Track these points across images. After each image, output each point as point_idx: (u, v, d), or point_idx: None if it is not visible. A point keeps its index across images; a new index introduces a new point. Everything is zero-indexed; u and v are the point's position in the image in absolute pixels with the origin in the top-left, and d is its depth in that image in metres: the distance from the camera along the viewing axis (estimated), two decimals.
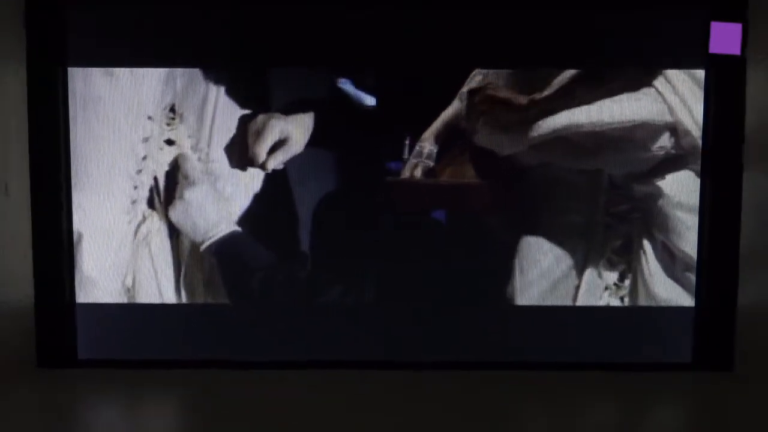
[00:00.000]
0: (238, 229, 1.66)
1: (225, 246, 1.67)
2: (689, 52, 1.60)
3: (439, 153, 1.63)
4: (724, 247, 1.64)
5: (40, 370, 1.68)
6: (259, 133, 1.62)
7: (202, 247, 1.66)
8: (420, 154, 1.61)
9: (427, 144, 1.61)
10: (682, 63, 1.60)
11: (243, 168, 1.64)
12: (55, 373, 1.67)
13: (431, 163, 1.62)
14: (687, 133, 1.61)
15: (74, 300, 1.68)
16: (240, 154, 1.64)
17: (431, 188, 1.64)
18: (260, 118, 1.63)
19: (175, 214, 1.65)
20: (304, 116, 1.63)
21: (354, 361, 1.69)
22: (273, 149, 1.63)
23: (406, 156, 1.63)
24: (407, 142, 1.62)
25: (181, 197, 1.65)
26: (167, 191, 1.65)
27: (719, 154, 1.62)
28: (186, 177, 1.64)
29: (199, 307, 1.69)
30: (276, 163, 1.64)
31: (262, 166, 1.64)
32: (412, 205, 1.66)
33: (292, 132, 1.62)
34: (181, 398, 1.59)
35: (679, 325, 1.67)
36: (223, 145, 1.64)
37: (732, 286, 1.64)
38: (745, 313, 1.65)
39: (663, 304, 1.67)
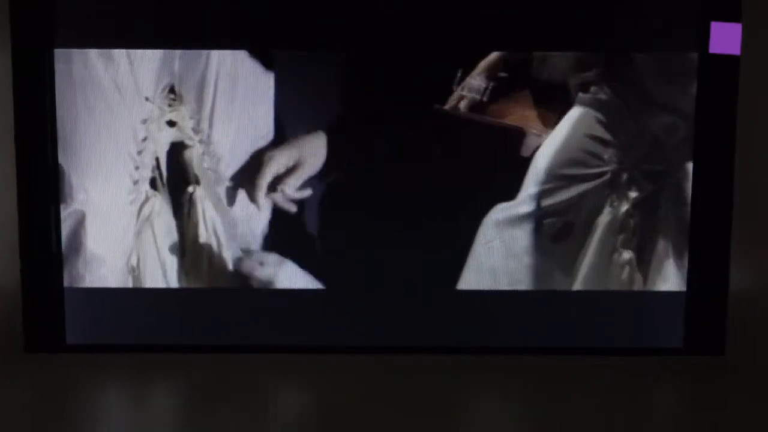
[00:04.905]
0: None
1: None
2: (681, 35, 1.60)
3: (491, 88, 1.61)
4: (716, 231, 1.65)
5: (28, 355, 1.65)
6: (263, 166, 1.63)
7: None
8: (468, 86, 1.59)
9: (477, 78, 1.59)
10: (674, 46, 1.60)
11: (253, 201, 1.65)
12: (43, 358, 1.64)
13: (478, 97, 1.61)
14: None
15: (62, 283, 1.66)
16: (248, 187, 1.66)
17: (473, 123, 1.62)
18: (268, 153, 1.64)
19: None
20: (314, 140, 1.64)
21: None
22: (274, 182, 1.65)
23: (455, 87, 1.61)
24: (459, 73, 1.61)
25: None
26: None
27: (711, 138, 1.64)
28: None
29: (191, 292, 1.68)
30: (283, 197, 1.65)
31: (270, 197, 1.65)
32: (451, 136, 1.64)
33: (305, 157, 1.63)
34: (170, 383, 1.58)
35: (671, 310, 1.68)
36: (223, 126, 1.64)
37: (723, 270, 1.65)
38: (736, 298, 1.66)
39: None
